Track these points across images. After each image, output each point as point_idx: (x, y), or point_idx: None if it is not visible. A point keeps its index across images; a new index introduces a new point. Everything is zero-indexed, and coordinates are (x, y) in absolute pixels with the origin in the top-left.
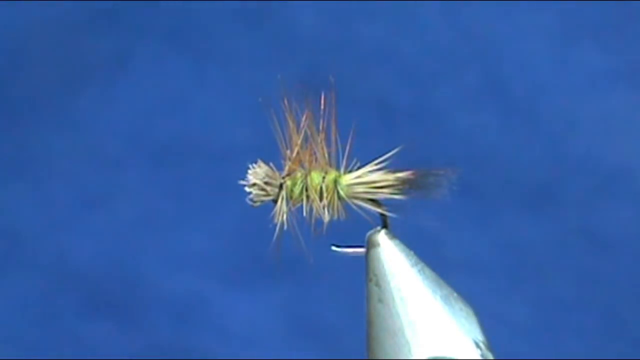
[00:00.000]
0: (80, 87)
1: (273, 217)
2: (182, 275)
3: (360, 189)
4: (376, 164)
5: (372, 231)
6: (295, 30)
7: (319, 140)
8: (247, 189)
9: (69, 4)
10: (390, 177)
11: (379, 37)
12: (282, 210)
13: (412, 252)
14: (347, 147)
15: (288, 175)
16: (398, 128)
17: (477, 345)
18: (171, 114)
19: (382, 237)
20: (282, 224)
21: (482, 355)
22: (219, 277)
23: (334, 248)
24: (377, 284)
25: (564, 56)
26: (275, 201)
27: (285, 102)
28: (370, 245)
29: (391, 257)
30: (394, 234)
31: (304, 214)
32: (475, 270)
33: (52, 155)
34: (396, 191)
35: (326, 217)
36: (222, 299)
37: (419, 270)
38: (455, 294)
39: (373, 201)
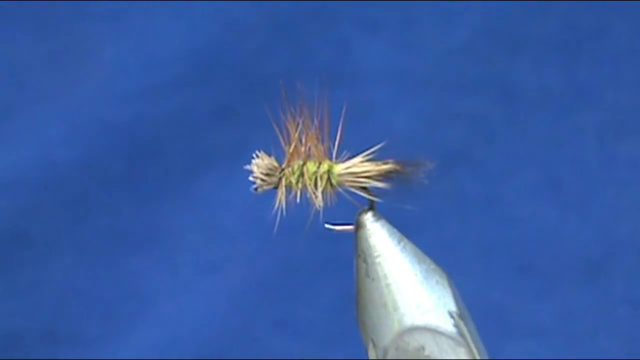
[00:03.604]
0: (203, 172)
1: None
2: (288, 338)
3: (350, 177)
4: (364, 156)
5: (360, 212)
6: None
7: (314, 135)
8: (250, 178)
9: (193, 100)
10: (376, 167)
11: (458, 139)
12: (281, 196)
13: (395, 231)
14: (337, 141)
15: (287, 166)
16: (469, 215)
17: (451, 316)
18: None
19: (368, 219)
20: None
21: (454, 324)
22: (321, 341)
23: (327, 226)
24: (365, 260)
25: (612, 152)
26: (275, 188)
27: (285, 102)
28: (358, 225)
29: (377, 236)
30: (379, 216)
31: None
32: (538, 335)
33: (178, 228)
34: (381, 179)
35: (320, 202)
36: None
37: (402, 248)
38: (433, 266)
39: (362, 188)
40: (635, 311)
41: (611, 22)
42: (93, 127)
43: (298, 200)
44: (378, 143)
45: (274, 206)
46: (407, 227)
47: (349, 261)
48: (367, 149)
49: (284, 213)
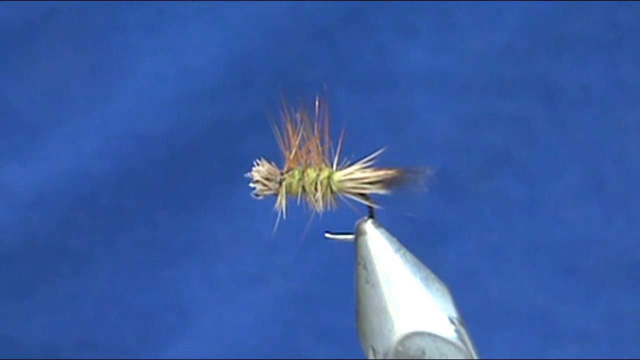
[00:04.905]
0: (241, 181)
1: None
2: (332, 349)
3: (350, 184)
4: (364, 163)
5: (360, 220)
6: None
7: (314, 142)
8: (251, 184)
9: (230, 109)
10: (376, 174)
11: (500, 142)
12: (281, 202)
13: (395, 239)
14: (339, 148)
15: (287, 172)
16: (513, 218)
17: (451, 321)
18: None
19: (368, 226)
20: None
21: (455, 330)
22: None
23: (327, 235)
24: (365, 267)
25: None
26: (276, 195)
27: (285, 110)
28: (358, 233)
29: (377, 243)
30: (379, 223)
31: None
32: (583, 339)
33: (217, 239)
34: (381, 186)
35: (320, 209)
36: None
37: (402, 255)
38: (432, 276)
39: (361, 195)
40: None
41: None
42: (130, 139)
43: (298, 204)
44: (418, 149)
45: (277, 211)
46: (450, 231)
47: None
48: (368, 155)
49: (284, 217)
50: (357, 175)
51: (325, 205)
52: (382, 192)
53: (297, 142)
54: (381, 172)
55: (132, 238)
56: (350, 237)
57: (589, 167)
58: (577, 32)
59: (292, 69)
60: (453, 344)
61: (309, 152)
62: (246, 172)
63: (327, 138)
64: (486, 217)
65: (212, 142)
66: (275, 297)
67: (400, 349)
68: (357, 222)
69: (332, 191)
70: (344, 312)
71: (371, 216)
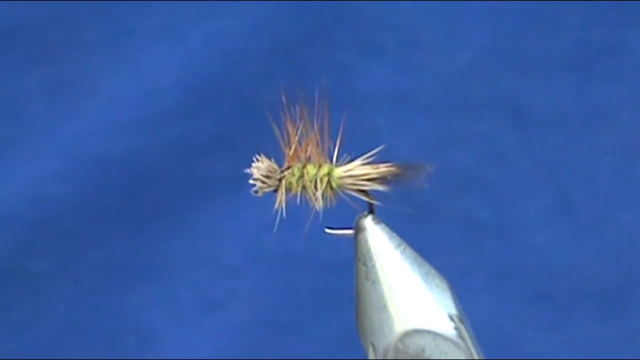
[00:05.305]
0: (202, 203)
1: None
2: None
3: (350, 180)
4: (364, 159)
5: (360, 216)
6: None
7: (314, 139)
8: (251, 181)
9: (191, 130)
10: (376, 170)
11: (467, 163)
12: (281, 199)
13: (395, 235)
14: (338, 144)
15: (287, 169)
16: (481, 242)
17: (451, 319)
18: (283, 228)
19: (368, 222)
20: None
21: (455, 327)
22: None
23: (327, 230)
24: (365, 264)
25: (628, 174)
26: (275, 191)
27: (284, 107)
28: (358, 229)
29: (377, 239)
30: (379, 219)
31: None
32: None
33: (177, 262)
34: (381, 182)
35: (320, 205)
36: None
37: (402, 251)
38: (433, 271)
39: (361, 191)
40: None
41: (626, 37)
42: (90, 161)
43: (298, 201)
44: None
45: (275, 206)
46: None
47: (353, 292)
48: (367, 152)
49: (284, 215)
50: (357, 172)
51: (325, 203)
52: (382, 188)
53: (296, 139)
54: (382, 169)
55: (92, 261)
56: (350, 232)
57: (559, 190)
58: (547, 51)
59: (253, 89)
60: (453, 341)
61: (308, 148)
62: (208, 193)
63: (326, 134)
64: (453, 241)
65: (173, 163)
66: (236, 323)
67: (400, 346)
68: (357, 218)
69: (331, 187)
70: (306, 339)
71: (371, 212)
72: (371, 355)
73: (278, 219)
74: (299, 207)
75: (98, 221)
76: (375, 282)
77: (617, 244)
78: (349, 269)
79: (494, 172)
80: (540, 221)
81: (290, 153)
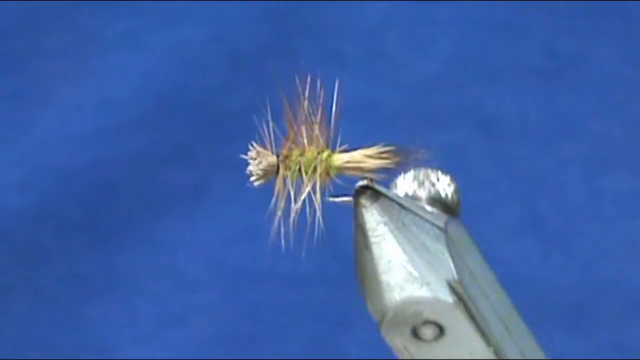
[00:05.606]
0: (163, 215)
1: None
2: None
3: (348, 165)
4: (363, 149)
5: (359, 183)
6: None
7: (312, 126)
8: (249, 168)
9: (151, 141)
10: (374, 160)
11: None
12: (280, 184)
13: (394, 204)
14: (332, 129)
15: (285, 155)
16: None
17: (449, 284)
18: (245, 241)
19: (367, 195)
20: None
21: (452, 291)
22: None
23: (329, 198)
24: (364, 234)
25: (596, 185)
26: (275, 175)
27: (282, 95)
28: (356, 197)
29: (375, 210)
30: (378, 187)
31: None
32: None
33: (139, 275)
34: (379, 169)
35: (318, 195)
36: None
37: (400, 221)
38: (432, 232)
39: (359, 169)
40: (621, 357)
41: (593, 47)
42: (49, 171)
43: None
44: (347, 181)
45: (273, 196)
46: None
47: (316, 307)
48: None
49: (284, 205)
50: (355, 160)
51: (322, 189)
52: (380, 176)
53: (294, 125)
54: (383, 160)
55: (52, 274)
56: (350, 199)
57: (526, 201)
58: (514, 60)
59: (214, 99)
60: (450, 307)
61: (305, 133)
62: (169, 205)
63: (323, 121)
64: None
65: (134, 175)
66: (197, 337)
67: (398, 313)
68: (356, 185)
69: (328, 174)
70: (268, 353)
71: (370, 179)
72: (370, 307)
73: (279, 213)
74: (262, 220)
75: (58, 233)
76: (372, 251)
77: (585, 256)
78: (311, 283)
79: (460, 183)
80: (506, 233)
81: (289, 139)
